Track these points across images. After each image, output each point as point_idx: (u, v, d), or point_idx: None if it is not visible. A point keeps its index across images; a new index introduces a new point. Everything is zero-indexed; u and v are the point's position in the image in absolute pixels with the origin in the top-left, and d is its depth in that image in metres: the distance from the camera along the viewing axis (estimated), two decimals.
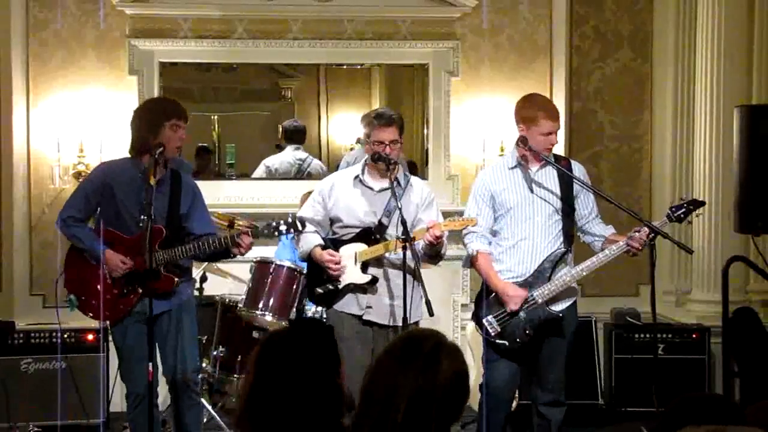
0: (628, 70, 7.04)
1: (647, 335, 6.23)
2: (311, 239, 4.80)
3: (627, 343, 6.30)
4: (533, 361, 4.66)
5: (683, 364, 6.19)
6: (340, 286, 4.73)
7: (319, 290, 4.79)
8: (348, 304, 4.72)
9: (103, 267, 4.57)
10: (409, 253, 4.51)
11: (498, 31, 6.80)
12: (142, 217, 4.44)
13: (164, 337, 4.66)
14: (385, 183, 4.72)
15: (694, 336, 6.27)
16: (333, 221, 4.83)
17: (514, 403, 5.70)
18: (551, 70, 6.83)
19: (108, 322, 4.72)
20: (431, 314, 4.43)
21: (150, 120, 4.57)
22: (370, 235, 4.73)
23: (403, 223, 4.47)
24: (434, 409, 2.21)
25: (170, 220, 4.61)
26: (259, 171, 7.01)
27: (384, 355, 2.31)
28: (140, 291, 4.57)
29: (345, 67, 7.14)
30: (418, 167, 6.96)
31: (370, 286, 4.71)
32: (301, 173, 6.94)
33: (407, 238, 4.44)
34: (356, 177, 4.80)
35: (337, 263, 4.70)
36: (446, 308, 6.51)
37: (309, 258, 4.83)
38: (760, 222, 5.06)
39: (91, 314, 4.68)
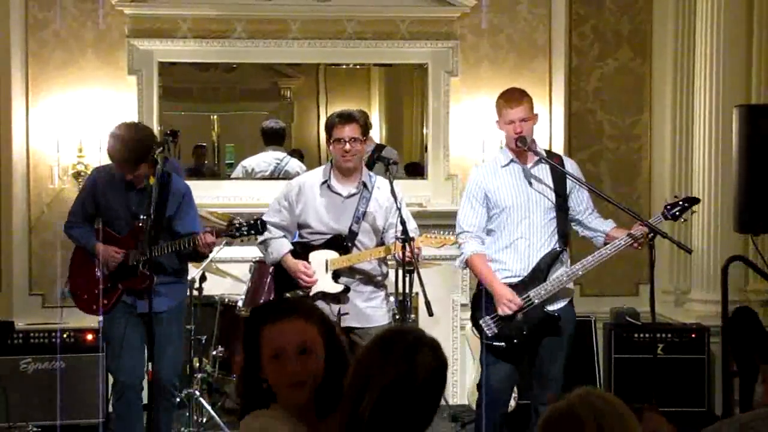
0: (627, 70, 7.04)
1: (647, 335, 6.23)
2: (281, 246, 4.79)
3: (626, 343, 6.30)
4: (532, 360, 4.66)
5: (683, 364, 6.20)
6: (310, 293, 4.72)
7: (288, 295, 4.78)
8: None
9: (98, 263, 4.83)
10: (375, 261, 4.68)
11: (497, 31, 6.80)
12: (142, 216, 4.63)
13: (152, 338, 4.71)
14: (353, 188, 4.72)
15: (693, 336, 6.27)
16: (301, 226, 4.80)
17: (513, 403, 5.72)
18: (550, 70, 6.82)
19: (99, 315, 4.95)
20: (431, 314, 4.42)
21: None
22: (341, 242, 4.72)
23: (403, 223, 4.47)
24: (413, 400, 2.21)
25: (156, 220, 4.71)
26: (237, 172, 6.99)
27: (365, 348, 2.32)
28: (120, 287, 4.80)
29: (344, 67, 7.13)
30: (421, 167, 6.95)
31: (342, 295, 4.71)
32: (277, 173, 6.89)
33: (406, 238, 4.43)
34: (324, 182, 4.75)
35: (310, 276, 4.69)
36: (446, 308, 6.51)
37: (278, 263, 4.82)
38: (760, 222, 5.06)
39: (80, 306, 4.97)
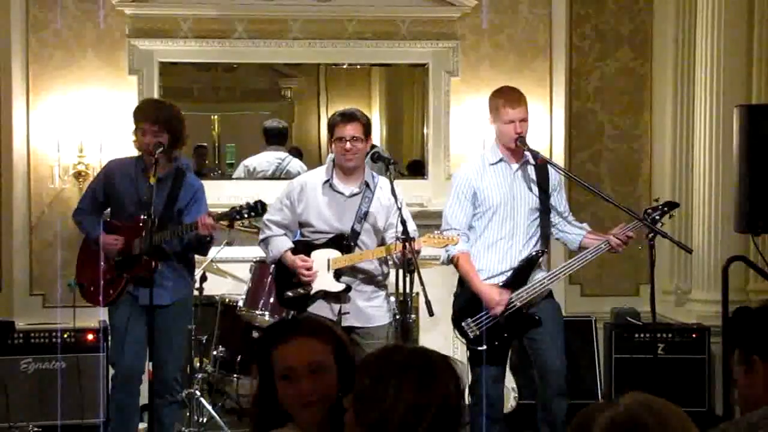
0: (627, 70, 7.04)
1: (647, 335, 6.22)
2: (281, 244, 4.79)
3: (627, 343, 6.30)
4: (530, 355, 4.67)
5: (683, 364, 6.20)
6: (312, 292, 4.72)
7: (289, 293, 4.77)
8: (321, 309, 4.69)
9: (101, 254, 4.88)
10: (376, 261, 4.69)
11: (498, 31, 6.80)
12: (143, 216, 4.67)
13: (157, 331, 4.72)
14: (355, 187, 4.72)
15: (693, 336, 6.27)
16: (303, 225, 4.81)
17: (514, 403, 5.72)
18: (551, 70, 6.82)
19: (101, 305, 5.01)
20: (431, 314, 4.42)
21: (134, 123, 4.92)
22: (343, 241, 4.72)
23: (403, 222, 4.46)
24: (459, 419, 2.19)
25: (165, 213, 4.78)
26: (238, 172, 6.99)
27: (402, 377, 2.18)
28: (125, 276, 4.84)
29: (345, 67, 7.13)
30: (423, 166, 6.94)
31: (343, 295, 4.71)
32: (279, 172, 6.88)
33: (407, 238, 4.43)
34: (326, 182, 4.76)
35: (309, 269, 4.69)
36: (446, 308, 6.48)
37: (278, 261, 4.82)
38: (760, 222, 5.06)
39: (86, 298, 5.03)
